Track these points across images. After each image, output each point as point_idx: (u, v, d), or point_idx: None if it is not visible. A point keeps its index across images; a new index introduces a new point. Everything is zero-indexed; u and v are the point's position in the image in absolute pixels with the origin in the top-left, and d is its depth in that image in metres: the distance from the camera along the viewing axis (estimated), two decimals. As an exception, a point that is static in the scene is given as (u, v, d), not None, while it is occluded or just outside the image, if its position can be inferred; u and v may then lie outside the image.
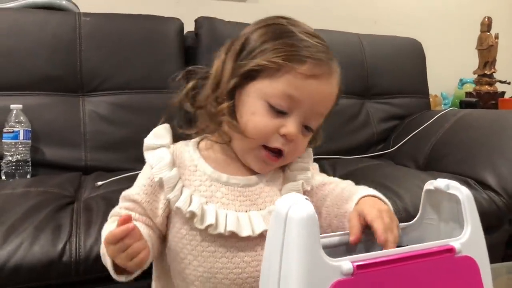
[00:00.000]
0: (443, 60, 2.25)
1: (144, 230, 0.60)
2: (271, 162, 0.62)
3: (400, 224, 0.54)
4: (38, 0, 1.48)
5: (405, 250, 0.44)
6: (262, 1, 2.03)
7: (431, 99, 2.01)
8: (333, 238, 0.48)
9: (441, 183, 0.51)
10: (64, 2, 1.51)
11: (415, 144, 1.59)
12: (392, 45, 1.88)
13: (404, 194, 1.16)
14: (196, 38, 1.62)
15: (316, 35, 0.63)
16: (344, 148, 1.65)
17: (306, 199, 0.42)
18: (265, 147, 0.61)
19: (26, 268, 0.81)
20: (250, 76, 0.61)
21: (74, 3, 1.55)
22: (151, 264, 0.65)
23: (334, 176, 1.37)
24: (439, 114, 1.62)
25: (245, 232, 0.59)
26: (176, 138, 0.68)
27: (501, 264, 0.87)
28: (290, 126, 0.59)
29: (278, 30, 0.62)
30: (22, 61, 1.35)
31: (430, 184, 0.53)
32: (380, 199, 0.57)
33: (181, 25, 1.60)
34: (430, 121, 1.60)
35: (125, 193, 0.65)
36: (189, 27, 1.65)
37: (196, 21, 1.65)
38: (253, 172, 0.64)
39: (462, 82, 2.25)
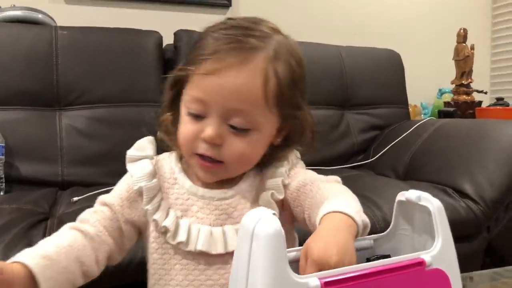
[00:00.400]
0: (422, 71, 2.28)
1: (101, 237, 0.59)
2: (208, 168, 0.59)
3: (373, 235, 0.54)
4: (12, 14, 1.47)
5: (374, 265, 0.44)
6: (241, 11, 2.04)
7: (410, 109, 2.04)
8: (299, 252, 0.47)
9: (412, 194, 0.51)
10: (40, 16, 1.50)
11: (395, 154, 1.60)
12: (371, 57, 1.90)
13: (383, 204, 1.17)
14: (175, 50, 1.62)
15: (237, 25, 0.59)
16: (324, 158, 1.66)
17: (274, 214, 0.42)
18: (197, 154, 0.59)
19: (-5, 289, 0.79)
20: (179, 87, 0.61)
21: (50, 17, 1.54)
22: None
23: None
24: (417, 124, 1.64)
25: (216, 249, 0.58)
26: (162, 151, 0.67)
27: (482, 272, 0.87)
28: (206, 129, 0.57)
29: (198, 36, 0.62)
30: (-3, 76, 1.34)
31: (402, 196, 0.53)
32: (345, 214, 0.49)
33: (160, 38, 1.60)
34: (409, 131, 1.62)
35: (100, 197, 0.64)
36: (168, 40, 1.65)
37: (175, 34, 1.65)
38: (232, 185, 0.63)
39: (441, 92, 2.28)
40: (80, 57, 1.45)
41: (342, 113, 1.80)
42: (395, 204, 0.55)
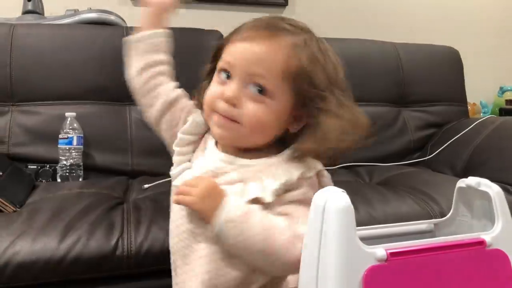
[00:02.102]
0: (482, 68, 2.23)
1: None
2: (223, 124, 0.64)
3: (433, 220, 0.57)
4: (89, 16, 1.59)
5: (437, 241, 0.47)
6: (298, 12, 2.09)
7: (469, 107, 2.00)
8: (370, 231, 0.52)
9: (472, 180, 0.54)
10: (112, 18, 1.61)
11: (453, 152, 1.59)
12: (428, 54, 1.89)
13: (440, 199, 1.18)
14: (234, 48, 1.69)
15: (279, 17, 0.70)
16: (380, 156, 1.67)
17: (343, 191, 0.47)
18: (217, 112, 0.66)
19: (83, 261, 0.89)
20: (218, 57, 0.70)
21: (122, 18, 1.65)
22: None
23: (370, 182, 1.41)
24: (477, 122, 1.61)
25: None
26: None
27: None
28: (227, 89, 0.63)
29: None
30: (76, 73, 1.46)
31: (462, 182, 0.56)
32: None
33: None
34: (468, 128, 1.60)
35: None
36: (228, 38, 1.72)
37: (234, 32, 1.71)
38: (250, 157, 0.67)
39: (502, 90, 2.22)
40: (148, 55, 1.55)
41: (398, 110, 1.80)
42: (455, 190, 0.58)
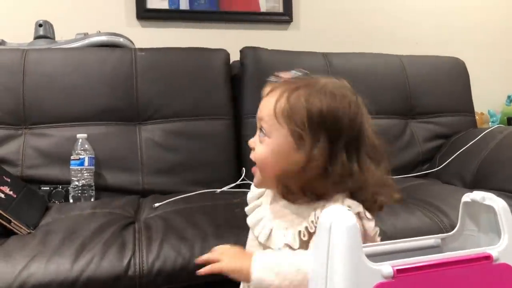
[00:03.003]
0: (489, 77, 2.23)
1: None
2: (253, 170, 0.73)
3: (440, 235, 0.58)
4: (98, 39, 1.63)
5: (444, 256, 0.48)
6: (303, 29, 2.11)
7: (477, 117, 2.00)
8: (376, 248, 0.53)
9: (477, 195, 0.55)
10: (121, 40, 1.65)
11: (462, 163, 1.59)
12: (434, 65, 1.90)
13: (450, 212, 1.18)
14: (241, 66, 1.72)
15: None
16: (389, 168, 1.67)
17: (348, 210, 0.48)
18: None
19: (96, 282, 0.90)
20: None
21: (130, 40, 1.69)
22: None
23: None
24: (485, 132, 1.61)
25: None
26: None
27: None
28: None
29: None
30: (86, 95, 1.49)
31: (467, 197, 0.57)
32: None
33: (227, 56, 1.70)
34: (476, 139, 1.60)
35: None
36: (234, 57, 1.75)
37: (241, 51, 1.74)
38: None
39: (510, 99, 2.22)
40: (156, 75, 1.58)
41: (406, 122, 1.81)
42: (461, 205, 0.58)
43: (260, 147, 0.70)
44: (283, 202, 0.71)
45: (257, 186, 0.75)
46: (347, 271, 0.45)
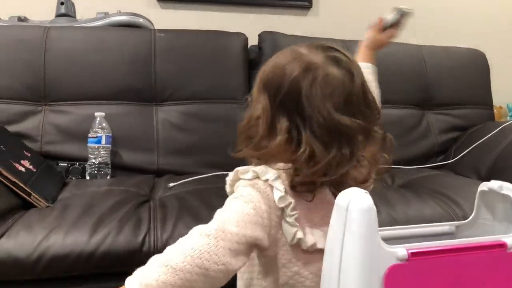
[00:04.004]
0: (510, 71, 2.19)
1: None
2: None
3: (455, 222, 0.58)
4: (118, 19, 1.64)
5: (458, 242, 0.49)
6: (322, 15, 2.09)
7: (495, 110, 1.97)
8: (392, 232, 0.53)
9: (494, 184, 0.55)
10: (141, 20, 1.66)
11: (477, 155, 1.57)
12: (453, 56, 1.87)
13: (463, 203, 1.17)
14: (259, 51, 1.72)
15: None
16: (403, 158, 1.67)
17: (366, 192, 0.48)
18: None
19: (112, 255, 0.93)
20: None
21: (149, 21, 1.69)
22: None
23: (392, 184, 1.41)
24: (503, 125, 1.59)
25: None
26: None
27: None
28: None
29: None
30: (105, 74, 1.51)
31: (484, 186, 0.57)
32: None
33: (245, 40, 1.70)
34: (493, 132, 1.58)
35: None
36: (253, 41, 1.74)
37: (259, 35, 1.74)
38: None
39: (530, 93, 2.18)
40: (175, 57, 1.59)
41: (422, 113, 1.79)
42: (477, 194, 0.59)
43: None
44: None
45: None
46: (362, 252, 0.46)
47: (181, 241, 0.60)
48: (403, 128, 1.74)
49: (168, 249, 0.59)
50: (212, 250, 0.57)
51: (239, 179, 0.67)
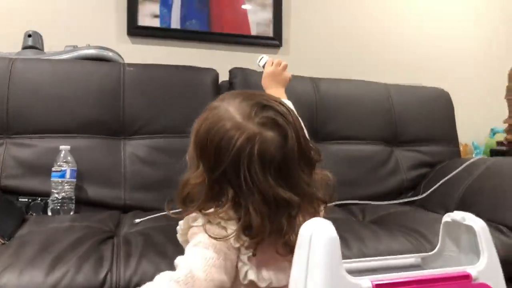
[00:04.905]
0: (474, 110, 2.27)
1: None
2: None
3: (420, 254, 0.57)
4: (87, 52, 1.63)
5: (423, 273, 0.48)
6: (293, 54, 2.14)
7: (461, 148, 2.02)
8: (356, 264, 0.52)
9: (457, 215, 0.55)
10: (110, 54, 1.65)
11: (445, 191, 1.59)
12: (419, 95, 1.93)
13: (432, 238, 1.18)
14: (230, 86, 1.72)
15: None
16: (373, 194, 1.67)
17: (329, 222, 0.47)
18: None
19: (70, 295, 0.87)
20: None
21: (119, 55, 1.69)
22: None
23: (363, 220, 1.41)
24: (469, 162, 1.63)
25: None
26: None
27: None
28: None
29: None
30: (72, 107, 1.48)
31: (448, 217, 0.57)
32: None
33: (216, 75, 1.71)
34: (460, 168, 1.61)
35: None
36: (224, 76, 1.76)
37: (230, 71, 1.76)
38: None
39: (493, 132, 2.26)
40: (144, 91, 1.58)
41: (391, 149, 1.82)
42: (442, 225, 0.59)
43: None
44: None
45: None
46: (326, 284, 0.44)
47: (149, 286, 0.59)
48: (372, 164, 1.76)
49: None
50: None
51: (191, 227, 0.67)
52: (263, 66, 1.19)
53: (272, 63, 1.16)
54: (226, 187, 0.64)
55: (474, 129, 2.26)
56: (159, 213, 1.31)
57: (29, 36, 1.63)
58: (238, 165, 0.62)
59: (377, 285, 0.45)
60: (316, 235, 0.46)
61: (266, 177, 0.61)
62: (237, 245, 0.63)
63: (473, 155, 2.18)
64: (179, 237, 0.70)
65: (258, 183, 0.61)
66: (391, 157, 1.81)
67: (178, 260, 0.62)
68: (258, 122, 0.63)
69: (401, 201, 1.70)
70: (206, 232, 0.63)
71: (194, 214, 0.66)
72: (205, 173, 0.65)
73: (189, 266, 0.59)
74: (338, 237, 0.45)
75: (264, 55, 1.22)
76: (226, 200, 0.63)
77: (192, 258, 0.61)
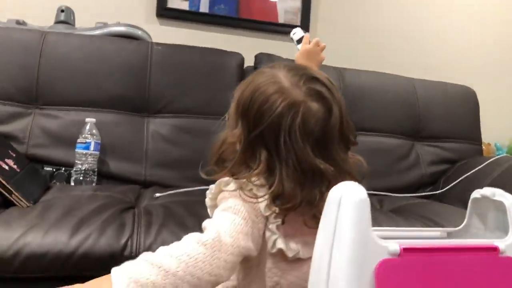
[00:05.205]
0: (499, 110, 2.24)
1: None
2: None
3: (446, 228, 0.57)
4: (117, 29, 1.64)
5: (450, 242, 0.48)
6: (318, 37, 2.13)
7: (484, 147, 2.00)
8: (384, 232, 0.52)
9: (487, 191, 0.55)
10: (139, 32, 1.67)
11: (465, 187, 1.58)
12: (444, 91, 1.91)
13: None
14: (255, 71, 1.72)
15: None
16: (392, 187, 1.67)
17: (359, 185, 0.47)
18: None
19: (92, 257, 0.90)
20: None
21: (148, 34, 1.71)
22: None
23: (381, 209, 1.40)
24: (492, 159, 1.61)
25: None
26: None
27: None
28: None
29: None
30: (99, 82, 1.50)
31: (477, 193, 0.56)
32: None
33: (241, 59, 1.71)
34: (482, 165, 1.59)
35: None
36: (249, 63, 1.76)
37: (256, 56, 1.76)
38: None
39: (517, 133, 2.22)
40: (170, 71, 1.59)
41: (412, 143, 1.81)
42: (470, 201, 0.58)
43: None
44: None
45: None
46: (354, 244, 0.45)
47: (176, 245, 0.58)
48: (393, 157, 1.75)
49: (162, 251, 0.57)
50: (208, 260, 0.56)
51: (222, 191, 0.66)
52: (297, 41, 1.16)
53: (309, 41, 1.13)
54: (260, 150, 0.64)
55: (497, 130, 2.22)
56: (178, 189, 1.33)
57: (62, 11, 1.65)
58: (279, 129, 0.62)
59: (404, 249, 0.45)
60: (346, 196, 0.46)
61: (305, 145, 0.61)
62: (267, 213, 0.63)
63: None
64: (208, 201, 0.69)
65: (296, 150, 0.61)
66: (411, 151, 1.80)
67: (206, 223, 0.62)
68: (304, 91, 0.63)
69: (420, 194, 1.69)
70: (240, 195, 0.63)
71: (226, 179, 0.66)
72: (242, 133, 0.65)
73: (217, 230, 0.59)
74: (368, 200, 0.46)
75: (299, 29, 1.18)
76: (258, 165, 0.63)
77: (221, 222, 0.61)
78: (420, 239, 0.52)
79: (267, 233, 0.64)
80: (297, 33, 1.17)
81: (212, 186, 0.68)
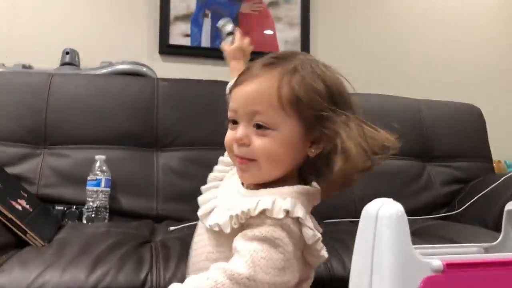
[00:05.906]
0: (506, 128, 2.23)
1: None
2: (242, 166, 0.67)
3: (484, 244, 0.56)
4: (122, 67, 1.67)
5: (497, 256, 0.46)
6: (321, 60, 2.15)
7: (494, 164, 1.98)
8: (420, 250, 0.50)
9: (522, 201, 0.53)
10: (144, 69, 1.69)
11: (483, 206, 1.55)
12: (450, 111, 1.91)
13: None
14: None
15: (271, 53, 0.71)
16: (406, 209, 1.60)
17: (394, 200, 0.46)
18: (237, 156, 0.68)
19: (112, 294, 0.87)
20: None
21: (152, 70, 1.73)
22: None
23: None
24: (507, 176, 1.59)
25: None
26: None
27: None
28: (237, 131, 0.67)
29: None
30: (107, 119, 1.50)
31: (510, 205, 0.55)
32: None
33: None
34: (497, 182, 1.57)
35: None
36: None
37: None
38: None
39: (526, 150, 2.21)
40: (177, 104, 1.60)
41: (423, 165, 1.79)
42: (504, 214, 0.57)
43: (264, 141, 0.64)
44: (239, 186, 0.71)
45: (251, 181, 0.69)
46: (395, 262, 0.43)
47: (205, 279, 0.56)
48: (405, 179, 1.73)
49: (190, 283, 0.56)
50: None
51: (262, 216, 0.61)
52: (227, 34, 1.15)
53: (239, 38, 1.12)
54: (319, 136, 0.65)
55: (506, 148, 2.21)
56: (192, 222, 1.30)
57: (67, 53, 1.68)
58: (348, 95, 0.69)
59: (447, 264, 0.43)
60: (383, 212, 0.45)
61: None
62: (311, 242, 0.62)
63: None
64: (226, 227, 0.63)
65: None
66: (423, 172, 1.78)
67: (241, 247, 0.58)
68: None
69: (436, 216, 1.66)
70: (280, 227, 0.59)
71: (268, 203, 0.60)
72: (298, 129, 0.65)
73: (253, 265, 0.56)
74: (405, 215, 0.44)
75: (228, 19, 1.18)
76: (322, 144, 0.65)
77: (256, 254, 0.57)
78: (459, 255, 0.50)
79: (309, 258, 0.65)
80: (226, 25, 1.16)
81: (239, 210, 0.62)
